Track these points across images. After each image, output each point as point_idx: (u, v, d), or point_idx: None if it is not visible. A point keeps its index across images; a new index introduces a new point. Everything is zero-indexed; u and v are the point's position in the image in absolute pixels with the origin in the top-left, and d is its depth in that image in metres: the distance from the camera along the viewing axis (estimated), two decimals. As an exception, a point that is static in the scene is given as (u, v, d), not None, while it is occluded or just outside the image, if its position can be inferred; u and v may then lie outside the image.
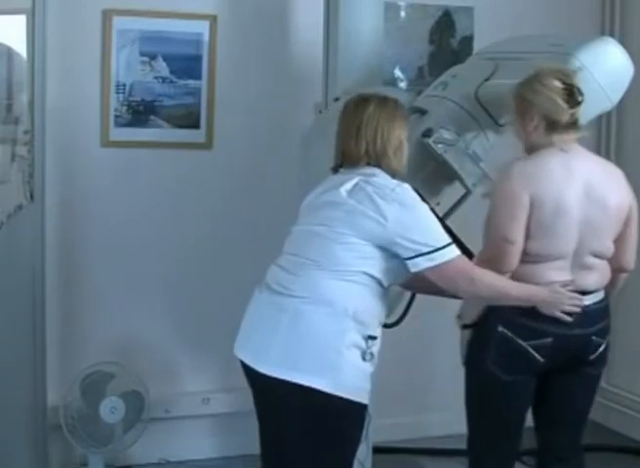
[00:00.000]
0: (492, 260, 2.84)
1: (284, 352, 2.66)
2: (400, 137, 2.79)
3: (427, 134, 3.31)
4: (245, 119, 4.26)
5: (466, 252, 3.11)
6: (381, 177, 2.72)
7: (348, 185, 2.69)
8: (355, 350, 2.66)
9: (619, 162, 4.58)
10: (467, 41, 4.56)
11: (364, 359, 2.68)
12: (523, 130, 2.93)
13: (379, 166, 2.76)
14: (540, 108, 2.85)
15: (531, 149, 2.93)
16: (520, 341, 2.87)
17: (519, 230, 2.83)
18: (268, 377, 2.68)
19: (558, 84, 2.83)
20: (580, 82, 2.86)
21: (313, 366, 2.63)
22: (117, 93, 4.07)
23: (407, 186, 2.70)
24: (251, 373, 2.77)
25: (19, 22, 3.69)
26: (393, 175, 2.77)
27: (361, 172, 2.75)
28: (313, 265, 2.68)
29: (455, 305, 4.41)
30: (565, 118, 2.84)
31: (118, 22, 4.03)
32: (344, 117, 2.85)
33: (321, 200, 2.77)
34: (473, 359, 3.00)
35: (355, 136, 2.77)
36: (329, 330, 2.64)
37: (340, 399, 2.64)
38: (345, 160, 2.81)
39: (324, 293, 2.65)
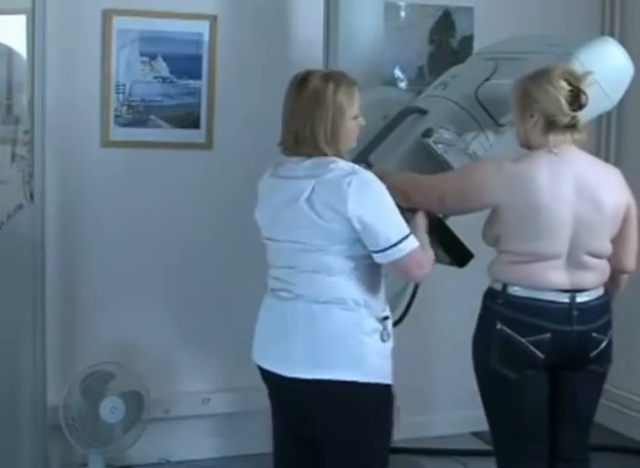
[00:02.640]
0: (416, 193, 2.96)
1: (308, 353, 2.68)
2: (350, 117, 2.70)
3: (427, 134, 3.31)
4: (245, 119, 4.25)
5: (466, 252, 3.11)
6: (334, 171, 2.64)
7: (306, 193, 2.64)
8: (374, 334, 2.71)
9: (619, 162, 4.58)
10: (467, 41, 4.56)
11: (383, 340, 2.73)
12: (522, 125, 2.93)
13: (325, 153, 2.68)
14: (542, 106, 2.86)
15: (525, 145, 2.95)
16: (519, 338, 2.88)
17: (458, 205, 2.98)
18: (297, 380, 2.69)
19: (565, 85, 2.83)
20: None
21: (339, 360, 2.67)
22: (117, 93, 4.07)
23: (362, 174, 2.64)
24: (276, 380, 2.78)
25: (19, 22, 3.69)
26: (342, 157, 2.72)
27: (312, 168, 2.67)
28: (312, 273, 2.70)
29: (454, 305, 4.42)
30: (565, 120, 2.85)
31: (118, 22, 4.02)
32: (300, 95, 2.74)
33: (286, 214, 2.71)
34: (478, 360, 3.01)
35: (311, 123, 2.68)
36: (346, 323, 2.68)
37: (370, 385, 2.69)
38: (299, 146, 2.71)
39: (332, 293, 2.68)
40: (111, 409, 3.85)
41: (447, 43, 4.56)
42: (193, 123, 4.21)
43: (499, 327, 2.91)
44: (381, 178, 3.02)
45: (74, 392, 3.85)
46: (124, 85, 4.08)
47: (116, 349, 4.09)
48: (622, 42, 3.38)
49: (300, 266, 2.71)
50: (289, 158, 2.77)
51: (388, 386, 2.77)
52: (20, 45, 3.71)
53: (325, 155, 2.69)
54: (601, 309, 2.97)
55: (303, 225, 2.66)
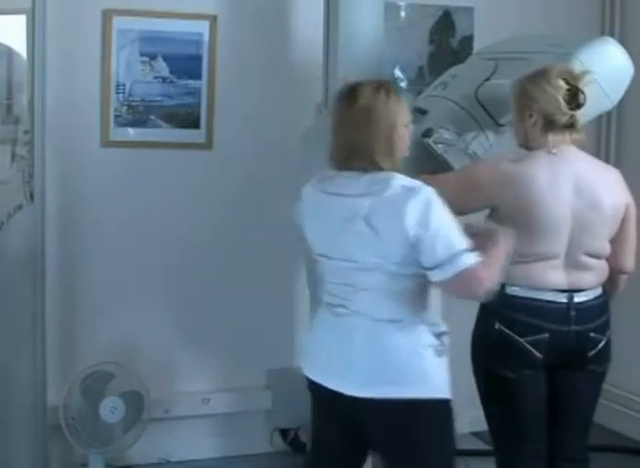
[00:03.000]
0: None
1: (368, 370, 2.62)
2: (402, 125, 2.64)
3: (427, 134, 3.31)
4: (245, 119, 4.26)
5: None
6: (393, 188, 2.57)
7: (364, 212, 2.57)
8: (430, 349, 2.64)
9: (619, 162, 4.59)
10: (467, 41, 4.56)
11: (438, 355, 2.65)
12: (521, 125, 2.94)
13: (381, 167, 2.61)
14: (541, 106, 2.86)
15: (524, 146, 2.95)
16: (517, 338, 2.88)
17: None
18: (355, 398, 2.62)
19: (563, 84, 2.84)
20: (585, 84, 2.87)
21: (400, 377, 2.61)
22: (117, 93, 4.07)
23: (421, 190, 2.56)
24: (328, 395, 2.69)
25: (19, 22, 3.69)
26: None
27: (369, 185, 2.60)
28: (370, 291, 2.63)
29: (454, 305, 4.42)
30: (564, 119, 2.86)
31: (118, 22, 4.03)
32: (351, 108, 2.64)
33: (342, 233, 2.62)
34: (477, 360, 3.01)
35: (364, 136, 2.61)
36: (405, 339, 2.62)
37: (432, 400, 2.62)
38: (352, 160, 2.64)
39: (390, 311, 2.62)
40: (111, 409, 3.85)
41: (447, 43, 4.56)
42: (193, 123, 4.21)
43: (497, 327, 2.91)
44: None
45: (74, 392, 3.85)
46: (124, 85, 4.08)
47: (116, 349, 4.09)
48: (622, 42, 3.38)
49: (357, 284, 2.64)
50: (339, 172, 2.68)
51: (449, 401, 2.68)
52: (20, 45, 3.71)
53: (381, 169, 2.60)
54: (599, 309, 2.97)
55: (360, 245, 2.60)
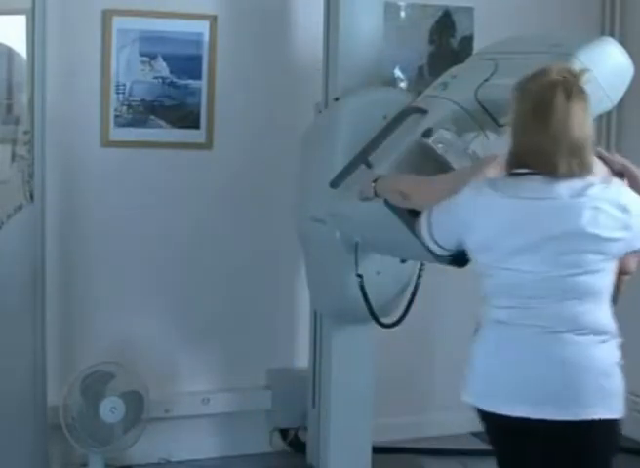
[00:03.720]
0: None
1: (569, 390, 2.49)
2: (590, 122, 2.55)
3: (427, 134, 3.30)
4: (245, 119, 4.26)
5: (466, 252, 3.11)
6: (597, 187, 2.48)
7: (586, 213, 2.45)
8: (617, 366, 2.56)
9: (618, 162, 4.58)
10: (467, 41, 4.56)
11: (621, 370, 2.56)
12: None
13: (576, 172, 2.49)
14: None
15: None
16: None
17: None
18: (549, 422, 2.48)
19: None
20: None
21: (595, 397, 2.50)
22: (117, 93, 4.07)
23: (617, 181, 2.55)
24: (526, 425, 2.51)
25: (19, 22, 3.69)
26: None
27: (572, 187, 2.48)
28: (571, 300, 2.51)
29: (454, 305, 4.42)
30: (564, 118, 2.85)
31: (118, 22, 4.03)
32: (539, 109, 2.56)
33: (550, 240, 2.48)
34: None
35: (556, 135, 2.48)
36: (602, 355, 2.53)
37: (617, 421, 2.55)
38: (538, 163, 2.52)
39: (590, 325, 2.52)
40: (111, 409, 3.85)
41: (447, 43, 4.56)
42: (193, 123, 4.21)
43: None
44: (377, 180, 3.05)
45: (74, 392, 3.85)
46: (124, 85, 4.08)
47: (116, 349, 4.09)
48: (622, 42, 3.37)
49: (551, 295, 2.50)
50: (521, 177, 2.55)
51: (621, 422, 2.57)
52: (20, 45, 3.72)
53: (582, 171, 2.50)
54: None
55: (581, 251, 2.49)
